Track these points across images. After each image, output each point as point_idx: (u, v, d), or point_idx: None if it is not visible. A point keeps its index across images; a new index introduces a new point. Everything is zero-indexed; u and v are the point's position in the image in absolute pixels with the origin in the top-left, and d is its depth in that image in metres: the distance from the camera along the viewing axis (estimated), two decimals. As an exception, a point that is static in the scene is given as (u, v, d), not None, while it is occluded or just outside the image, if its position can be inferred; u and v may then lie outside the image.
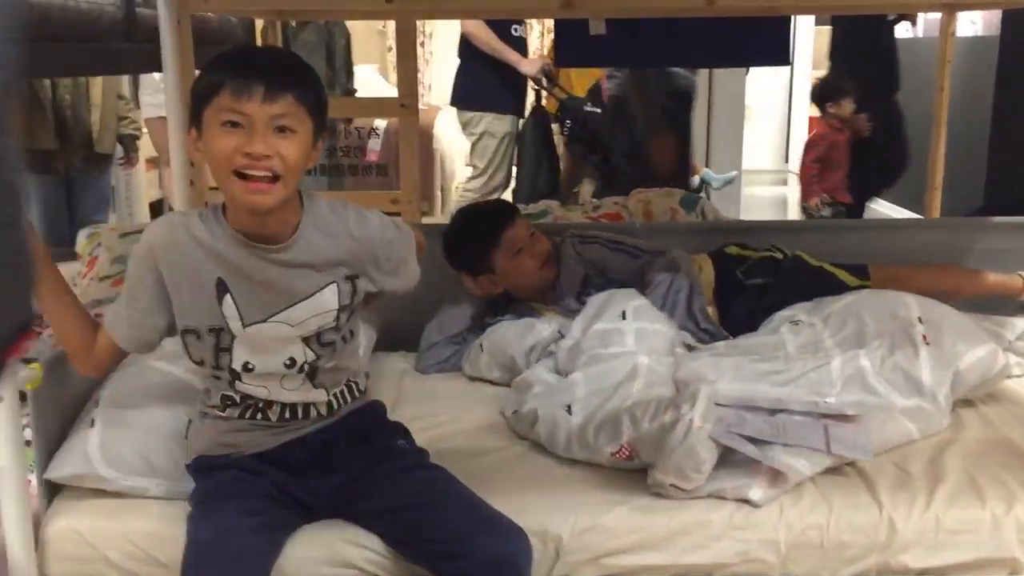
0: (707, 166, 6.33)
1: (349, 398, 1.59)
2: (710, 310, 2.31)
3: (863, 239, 2.59)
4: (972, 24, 5.38)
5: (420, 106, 3.38)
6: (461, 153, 8.07)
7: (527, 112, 4.52)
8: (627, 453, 1.65)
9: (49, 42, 1.87)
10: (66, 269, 3.02)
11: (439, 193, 6.55)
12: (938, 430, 1.85)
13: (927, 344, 1.95)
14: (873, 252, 2.45)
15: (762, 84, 7.82)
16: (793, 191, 8.37)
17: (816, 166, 4.62)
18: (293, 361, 1.49)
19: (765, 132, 8.96)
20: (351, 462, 1.54)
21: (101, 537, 1.56)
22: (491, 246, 2.24)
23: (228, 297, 1.44)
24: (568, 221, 2.79)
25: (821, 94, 4.69)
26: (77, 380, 1.76)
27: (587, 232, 2.39)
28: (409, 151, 3.31)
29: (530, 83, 4.50)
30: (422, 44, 8.16)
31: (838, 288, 2.22)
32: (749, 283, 2.31)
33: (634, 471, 1.66)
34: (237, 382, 1.50)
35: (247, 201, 1.37)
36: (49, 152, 3.57)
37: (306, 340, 1.49)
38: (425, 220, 4.25)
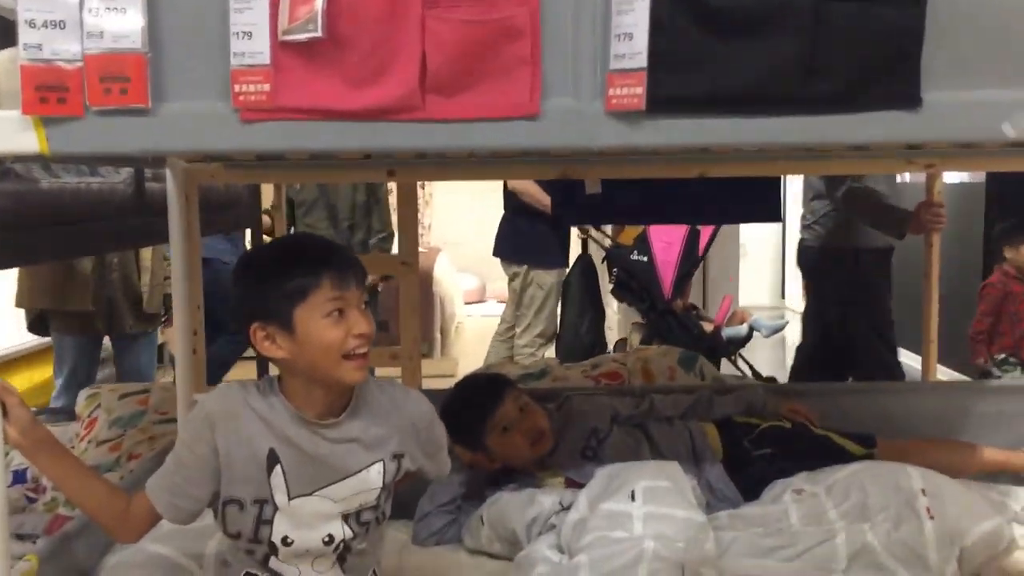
0: (703, 305, 6.41)
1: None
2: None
3: (859, 403, 2.59)
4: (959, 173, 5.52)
5: (420, 249, 3.44)
6: (461, 293, 8.18)
7: (572, 261, 4.55)
8: (631, 644, 1.61)
9: (65, 226, 1.92)
10: (64, 430, 3.03)
11: (438, 335, 6.59)
12: (947, 609, 1.81)
13: (931, 518, 1.94)
14: (870, 415, 2.46)
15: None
16: (792, 330, 8.41)
17: (988, 319, 4.24)
18: (331, 538, 1.49)
19: (760, 268, 9.08)
20: None
21: None
22: (480, 426, 2.24)
23: (278, 468, 1.45)
24: (567, 382, 2.80)
25: (1000, 236, 4.33)
26: (71, 566, 1.74)
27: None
28: (410, 308, 3.36)
29: (575, 232, 4.54)
30: (422, 186, 8.35)
31: (845, 459, 2.22)
32: (757, 453, 2.32)
33: (639, 661, 1.62)
34: (272, 558, 1.49)
35: (355, 379, 1.45)
36: (87, 313, 3.62)
37: (345, 517, 1.50)
38: (425, 366, 4.24)
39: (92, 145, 1.42)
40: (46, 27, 1.38)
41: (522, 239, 4.39)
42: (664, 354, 3.06)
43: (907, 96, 1.42)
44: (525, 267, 4.38)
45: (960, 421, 2.53)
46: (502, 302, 9.57)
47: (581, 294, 4.41)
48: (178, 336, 2.44)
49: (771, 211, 3.40)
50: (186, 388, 2.41)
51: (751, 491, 2.26)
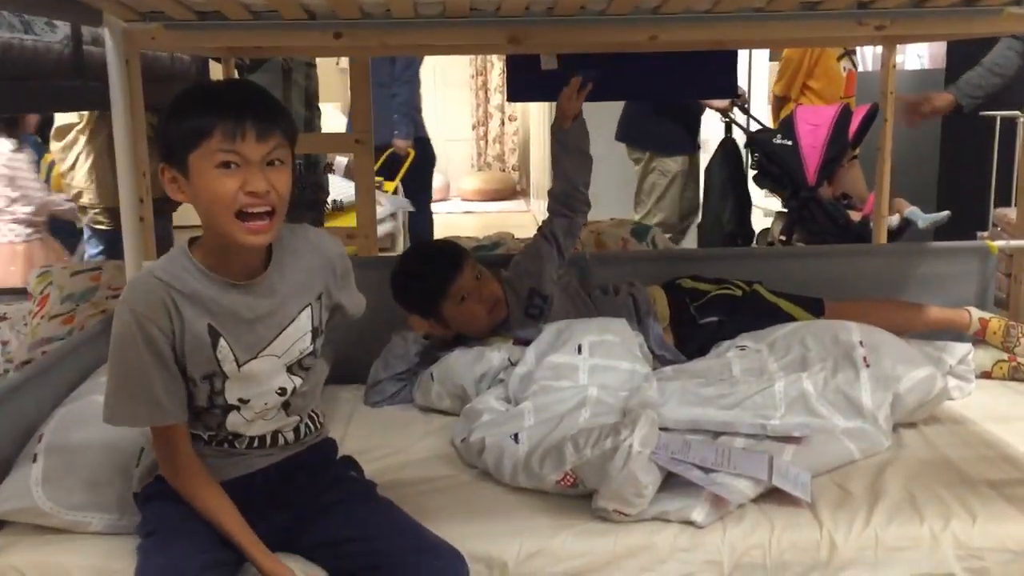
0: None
1: (313, 428, 1.60)
2: (667, 337, 2.36)
3: (811, 267, 2.64)
4: (919, 58, 5.52)
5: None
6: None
7: (716, 146, 4.40)
8: (571, 480, 1.66)
9: (-5, 80, 1.87)
10: (17, 309, 3.02)
11: (403, 231, 6.57)
12: (879, 450, 1.88)
13: (867, 366, 1.99)
14: (821, 279, 2.51)
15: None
16: (755, 220, 8.48)
17: None
18: (283, 390, 1.51)
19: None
20: (304, 496, 1.55)
21: (43, 574, 1.53)
22: (437, 295, 2.25)
23: (221, 340, 1.44)
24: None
25: None
26: (21, 417, 1.75)
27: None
28: (364, 188, 3.34)
29: (718, 115, 4.38)
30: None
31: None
32: (704, 320, 2.35)
33: (580, 497, 1.68)
34: (232, 414, 1.49)
35: (247, 241, 1.39)
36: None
37: (290, 368, 1.51)
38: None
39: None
40: None
41: (646, 124, 4.25)
42: (617, 225, 3.08)
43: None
44: (648, 153, 4.25)
45: (905, 283, 2.59)
46: (467, 200, 9.60)
47: (722, 180, 4.25)
48: (124, 205, 2.40)
49: (728, 86, 3.39)
50: (135, 257, 2.39)
51: (696, 356, 2.30)
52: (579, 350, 2.04)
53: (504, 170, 10.35)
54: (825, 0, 2.20)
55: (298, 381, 1.53)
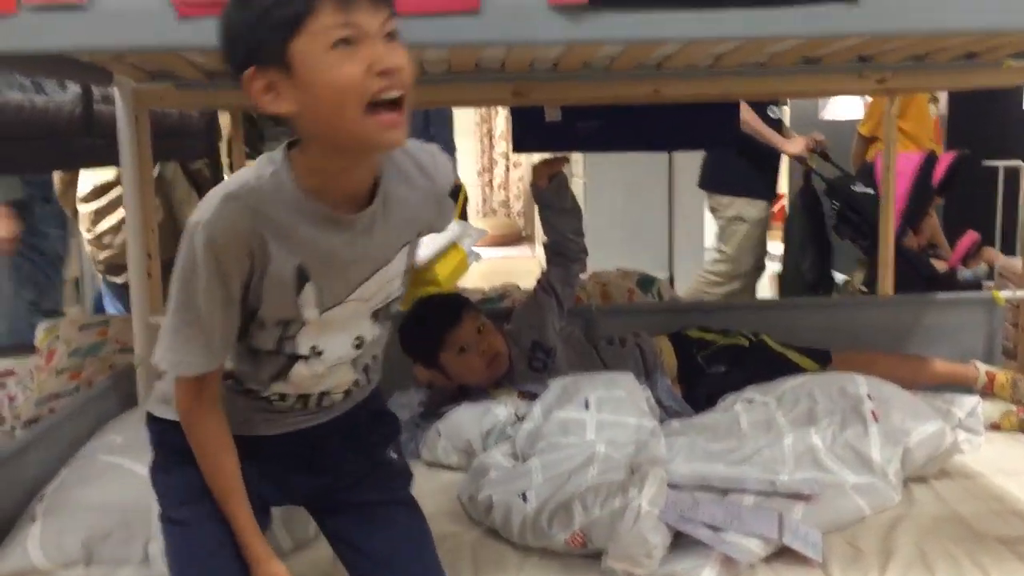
0: (671, 241, 6.42)
1: (366, 381, 1.38)
2: (674, 388, 2.36)
3: (817, 318, 2.64)
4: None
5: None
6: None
7: (794, 194, 4.29)
8: (580, 540, 1.65)
9: (7, 142, 1.89)
10: (24, 363, 3.01)
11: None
12: (889, 506, 1.86)
13: (876, 421, 1.98)
14: (826, 330, 2.51)
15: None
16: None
17: None
18: (360, 341, 1.29)
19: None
20: (341, 464, 1.39)
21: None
22: (437, 346, 2.25)
23: (308, 285, 1.19)
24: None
25: None
26: (26, 478, 1.75)
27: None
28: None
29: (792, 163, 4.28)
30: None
31: (798, 375, 2.26)
32: (711, 371, 2.35)
33: (589, 557, 1.66)
34: (298, 365, 1.26)
35: (384, 140, 1.11)
36: None
37: (374, 314, 1.29)
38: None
39: (26, 42, 1.40)
40: (-26, -80, 1.35)
41: (727, 170, 4.17)
42: (623, 276, 3.08)
43: (846, -12, 1.42)
44: (729, 198, 4.16)
45: (911, 334, 2.58)
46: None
47: (802, 229, 4.10)
48: (131, 262, 2.42)
49: (730, 136, 3.41)
50: (142, 313, 2.40)
51: (704, 406, 2.30)
52: (586, 405, 2.04)
53: (509, 216, 10.40)
54: (826, 55, 2.23)
55: (378, 330, 1.31)
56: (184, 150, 3.11)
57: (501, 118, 10.04)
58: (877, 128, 4.24)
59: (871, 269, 3.82)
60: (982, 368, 2.41)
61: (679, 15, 1.44)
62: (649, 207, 6.32)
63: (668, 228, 6.44)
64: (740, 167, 4.11)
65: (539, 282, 2.45)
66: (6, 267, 3.58)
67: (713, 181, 4.31)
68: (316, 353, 1.26)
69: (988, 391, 2.40)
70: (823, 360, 2.40)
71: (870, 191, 3.71)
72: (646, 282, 3.07)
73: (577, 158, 6.38)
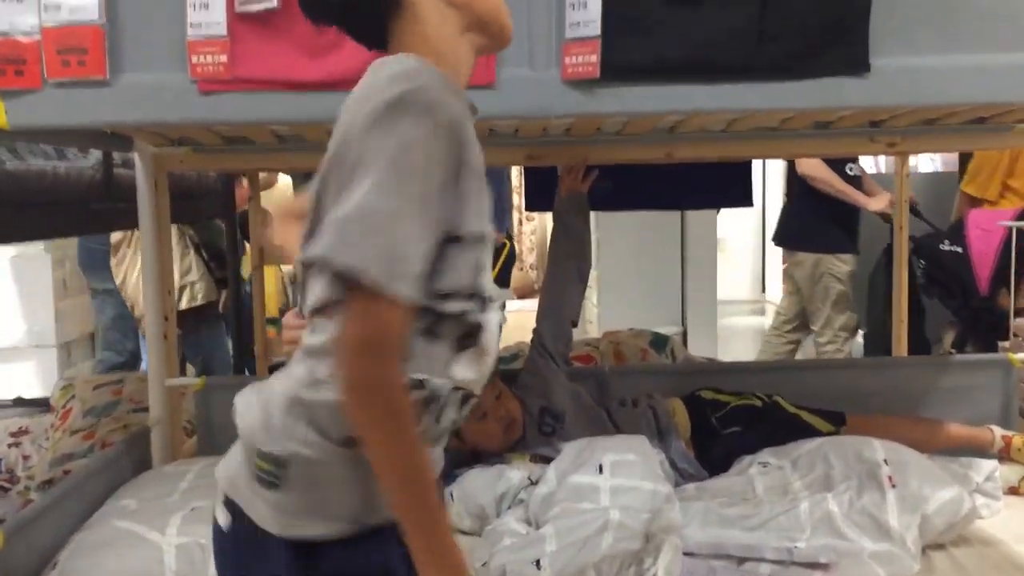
0: (683, 296, 6.42)
1: None
2: (688, 450, 2.34)
3: (831, 379, 2.62)
4: (932, 161, 5.58)
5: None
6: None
7: (879, 251, 4.07)
8: (595, 609, 1.63)
9: (30, 208, 1.93)
10: (39, 422, 3.03)
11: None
12: (908, 575, 1.83)
13: (893, 487, 1.96)
14: (841, 392, 2.50)
15: (735, 216, 8.01)
16: (771, 320, 8.51)
17: None
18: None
19: (740, 263, 9.14)
20: None
21: None
22: None
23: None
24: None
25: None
26: (39, 546, 1.75)
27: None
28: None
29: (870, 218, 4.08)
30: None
31: (810, 436, 2.25)
32: (725, 432, 2.34)
33: (603, 627, 1.64)
34: (491, 314, 1.00)
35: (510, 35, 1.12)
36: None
37: None
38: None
39: (51, 118, 1.43)
40: (3, 0, 1.39)
41: (811, 226, 4.04)
42: (636, 336, 3.08)
43: (856, 62, 1.45)
44: (814, 256, 4.01)
45: (926, 396, 2.57)
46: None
47: (888, 289, 3.74)
48: (149, 323, 2.44)
49: (743, 196, 3.42)
50: (158, 375, 2.41)
51: (718, 467, 2.29)
52: (600, 470, 2.02)
53: (522, 269, 10.43)
54: (838, 120, 2.25)
55: None
56: (201, 211, 3.15)
57: (514, 171, 10.12)
58: (986, 188, 4.00)
59: (961, 330, 3.74)
60: (998, 432, 2.39)
61: (690, 88, 1.47)
62: (662, 261, 6.32)
63: (681, 282, 6.44)
64: (821, 222, 3.99)
65: (533, 344, 2.45)
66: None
67: (793, 238, 4.17)
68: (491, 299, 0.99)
69: (1005, 455, 2.37)
70: (837, 422, 2.39)
71: (958, 249, 3.60)
72: (659, 342, 3.07)
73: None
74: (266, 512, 0.97)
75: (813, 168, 3.86)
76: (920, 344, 3.84)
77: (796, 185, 4.07)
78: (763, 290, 9.16)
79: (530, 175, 3.48)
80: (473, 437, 2.28)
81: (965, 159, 5.04)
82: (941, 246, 3.68)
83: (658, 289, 6.24)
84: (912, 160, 4.01)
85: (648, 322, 5.47)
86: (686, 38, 1.42)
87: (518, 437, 2.31)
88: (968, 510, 1.98)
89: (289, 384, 0.97)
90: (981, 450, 2.40)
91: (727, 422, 2.39)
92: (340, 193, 0.88)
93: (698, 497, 2.06)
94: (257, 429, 0.98)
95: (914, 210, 3.92)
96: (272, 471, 0.96)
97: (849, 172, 3.92)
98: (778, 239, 4.29)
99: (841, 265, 3.99)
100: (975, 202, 4.10)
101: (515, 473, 2.16)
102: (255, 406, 1.00)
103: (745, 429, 2.36)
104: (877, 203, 3.90)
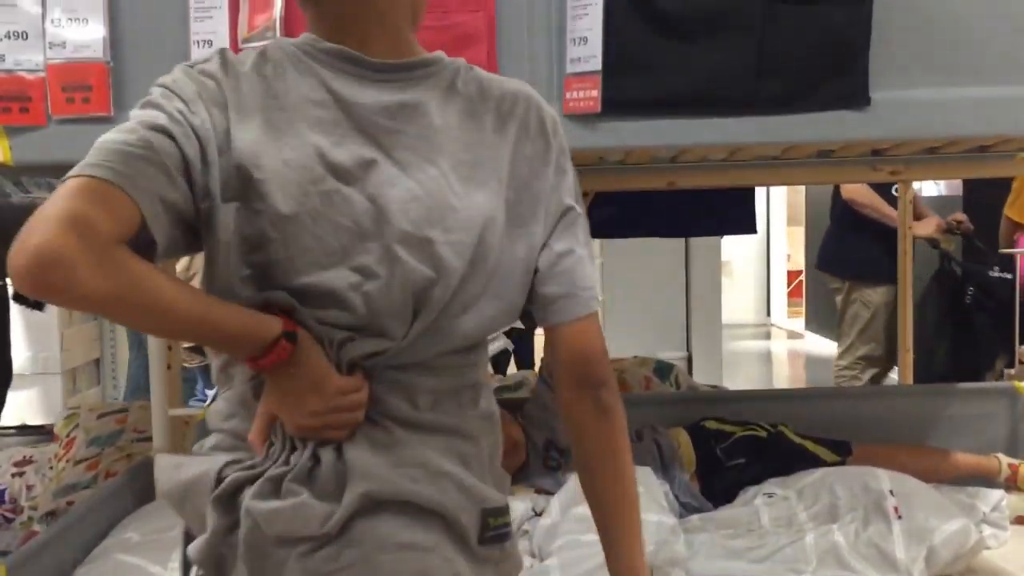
0: (688, 320, 6.41)
1: None
2: (693, 484, 2.33)
3: (836, 408, 2.61)
4: (936, 185, 5.58)
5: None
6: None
7: (928, 277, 3.95)
8: (599, 644, 1.62)
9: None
10: (43, 452, 3.03)
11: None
12: (916, 608, 1.82)
13: (899, 518, 1.95)
14: (847, 421, 2.49)
15: (739, 239, 8.03)
16: (776, 344, 8.50)
17: None
18: None
19: (745, 286, 9.14)
20: None
21: None
22: None
23: None
24: (543, 393, 2.81)
25: None
26: (42, 578, 1.75)
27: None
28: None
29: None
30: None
31: (816, 466, 2.24)
32: (730, 463, 2.33)
33: (608, 662, 1.63)
34: None
35: None
36: None
37: None
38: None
39: (55, 154, 1.44)
40: (8, 38, 1.41)
41: (847, 251, 3.92)
42: (640, 364, 3.08)
43: (855, 96, 1.46)
44: (847, 282, 3.91)
45: (933, 425, 2.56)
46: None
47: (937, 316, 3.76)
48: (151, 352, 2.45)
49: (747, 223, 3.43)
50: (161, 405, 2.41)
51: (723, 498, 2.27)
52: (604, 501, 2.01)
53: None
54: (840, 148, 2.25)
55: None
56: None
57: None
58: None
59: (1010, 358, 3.56)
60: (1004, 460, 2.38)
61: (690, 122, 1.47)
62: (666, 285, 6.33)
63: (685, 306, 6.44)
64: (862, 248, 3.84)
65: (540, 376, 2.44)
66: None
67: (829, 262, 4.07)
68: None
69: (1011, 483, 2.36)
70: (843, 452, 2.37)
71: (1007, 276, 3.50)
72: (663, 370, 3.06)
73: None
74: None
75: (857, 193, 3.71)
76: (971, 370, 3.71)
77: (837, 208, 3.93)
78: (768, 314, 9.15)
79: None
80: None
81: (968, 182, 5.05)
82: (990, 272, 3.58)
83: (662, 313, 6.24)
84: (916, 184, 4.00)
85: (652, 347, 5.47)
86: (686, 73, 1.43)
87: (522, 461, 2.30)
88: (975, 542, 1.96)
89: None
90: (988, 479, 2.39)
91: (732, 453, 2.38)
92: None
93: (703, 528, 2.05)
94: None
95: (965, 234, 3.83)
96: None
97: (895, 194, 3.65)
98: (818, 262, 4.16)
99: (873, 294, 3.84)
100: (1019, 227, 3.90)
101: (519, 504, 2.15)
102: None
103: (750, 460, 2.35)
104: (924, 228, 3.71)
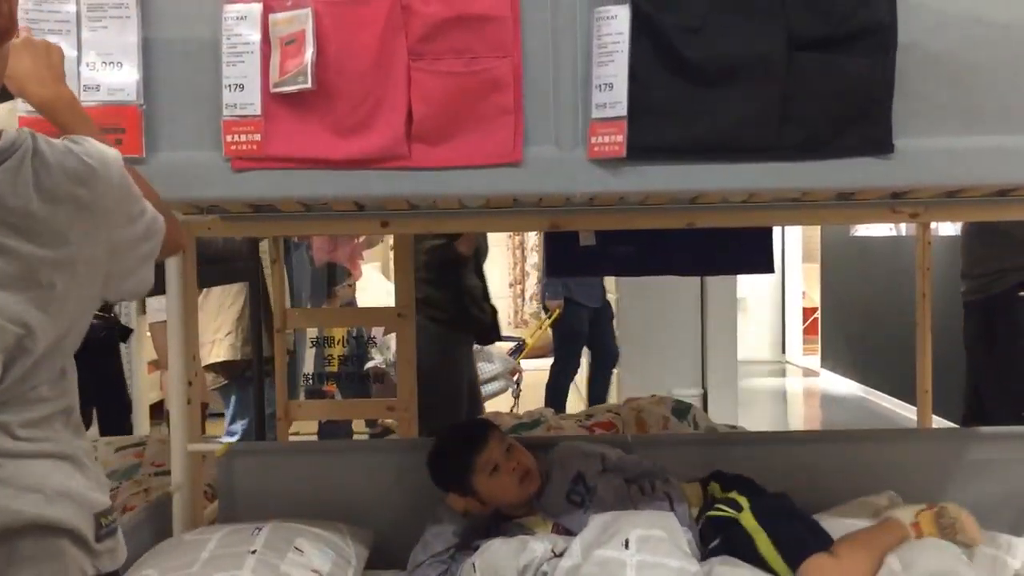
0: (703, 357, 6.40)
1: None
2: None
3: (850, 452, 2.58)
4: (953, 225, 5.57)
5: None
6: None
7: None
8: None
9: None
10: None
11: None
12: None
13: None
14: (862, 466, 2.47)
15: (755, 275, 8.01)
16: (792, 382, 8.47)
17: None
18: None
19: (761, 322, 9.12)
20: None
21: None
22: (468, 470, 2.25)
23: None
24: (560, 431, 2.82)
25: None
26: None
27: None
28: (406, 360, 3.38)
29: None
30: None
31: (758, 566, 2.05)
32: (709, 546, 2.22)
33: None
34: None
35: None
36: None
37: None
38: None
39: (88, 194, 1.46)
40: (44, 81, 1.43)
41: None
42: (658, 403, 3.08)
43: (879, 142, 1.47)
44: None
45: (952, 469, 2.53)
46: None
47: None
48: (172, 386, 2.45)
49: (764, 262, 3.43)
50: (181, 439, 2.42)
51: None
52: (626, 545, 2.00)
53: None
54: (859, 191, 2.26)
55: None
56: (229, 274, 3.19)
57: (532, 232, 10.19)
58: None
59: None
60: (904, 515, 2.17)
61: (713, 167, 1.49)
62: (682, 321, 6.32)
63: (701, 343, 6.43)
64: None
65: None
66: None
67: None
68: None
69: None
70: (794, 562, 2.03)
71: None
72: (681, 410, 3.06)
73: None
74: None
75: None
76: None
77: None
78: (783, 351, 9.11)
79: (551, 240, 3.52)
80: (491, 494, 2.27)
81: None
82: None
83: (678, 350, 6.23)
84: (933, 224, 4.00)
85: (668, 384, 5.46)
86: (711, 119, 1.45)
87: (536, 488, 2.29)
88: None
89: None
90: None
91: (711, 529, 2.27)
92: None
93: (722, 573, 2.03)
94: None
95: None
96: None
97: None
98: None
99: None
100: None
101: (539, 545, 2.14)
102: None
103: (720, 540, 2.22)
104: None
